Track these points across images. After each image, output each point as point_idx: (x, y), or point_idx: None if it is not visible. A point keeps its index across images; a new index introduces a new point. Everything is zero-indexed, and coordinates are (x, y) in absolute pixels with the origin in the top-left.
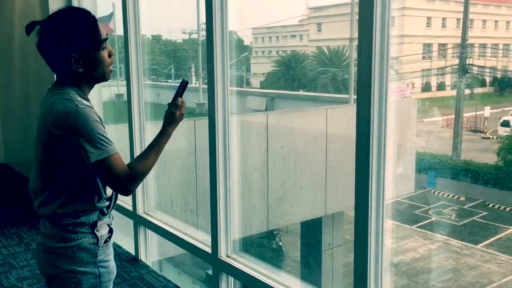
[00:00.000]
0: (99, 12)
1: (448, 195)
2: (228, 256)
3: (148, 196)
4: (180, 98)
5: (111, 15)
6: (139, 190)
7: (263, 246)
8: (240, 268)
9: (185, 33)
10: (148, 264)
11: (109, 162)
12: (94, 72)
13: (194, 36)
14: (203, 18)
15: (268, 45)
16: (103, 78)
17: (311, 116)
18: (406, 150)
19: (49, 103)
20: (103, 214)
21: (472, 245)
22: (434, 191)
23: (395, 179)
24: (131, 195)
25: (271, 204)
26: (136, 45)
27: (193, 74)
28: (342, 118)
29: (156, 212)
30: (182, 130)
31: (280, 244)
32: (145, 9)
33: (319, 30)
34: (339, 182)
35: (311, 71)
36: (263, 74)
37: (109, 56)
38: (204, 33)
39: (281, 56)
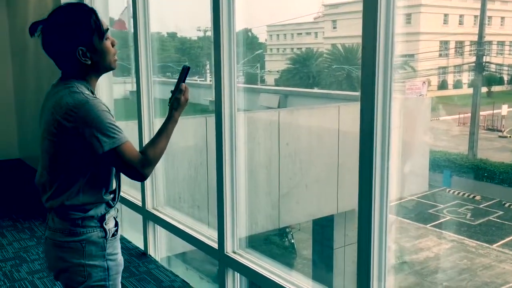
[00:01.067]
0: (111, 11)
1: (463, 194)
2: (234, 252)
3: (157, 192)
4: (183, 84)
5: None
6: (148, 185)
7: (275, 243)
8: (246, 264)
9: (199, 30)
10: (157, 259)
11: (122, 149)
12: (101, 62)
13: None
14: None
15: (283, 42)
16: (110, 67)
17: (323, 113)
18: (420, 148)
19: (58, 97)
20: (109, 206)
21: (488, 245)
22: (449, 190)
23: (408, 178)
24: (141, 188)
25: (282, 201)
26: (145, 42)
27: (208, 71)
28: (355, 115)
29: (165, 208)
30: (194, 127)
31: (292, 241)
32: (160, 7)
33: (334, 28)
34: (351, 180)
35: (325, 68)
36: (277, 71)
37: (113, 45)
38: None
39: (295, 54)
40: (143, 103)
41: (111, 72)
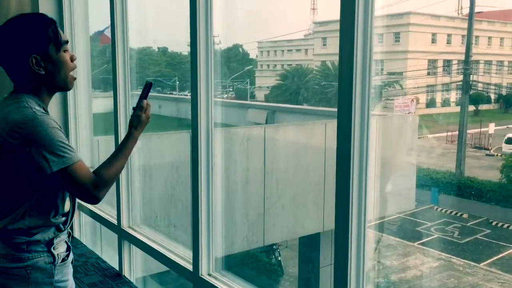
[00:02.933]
0: (92, 23)
1: (451, 212)
2: (209, 275)
3: (133, 210)
4: (145, 100)
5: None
6: (123, 203)
7: (261, 261)
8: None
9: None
10: (131, 280)
11: (72, 170)
12: (56, 75)
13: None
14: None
15: (273, 58)
16: (65, 84)
17: (309, 130)
18: (407, 166)
19: (6, 112)
20: (59, 230)
21: (475, 264)
22: (437, 208)
23: (394, 195)
24: (116, 205)
25: (266, 217)
26: (124, 57)
27: None
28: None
29: (141, 227)
30: (182, 142)
31: (279, 259)
32: (151, 21)
33: (324, 45)
34: None
35: (315, 85)
36: (267, 87)
37: (71, 60)
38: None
39: (285, 70)
40: (120, 118)
41: (90, 85)
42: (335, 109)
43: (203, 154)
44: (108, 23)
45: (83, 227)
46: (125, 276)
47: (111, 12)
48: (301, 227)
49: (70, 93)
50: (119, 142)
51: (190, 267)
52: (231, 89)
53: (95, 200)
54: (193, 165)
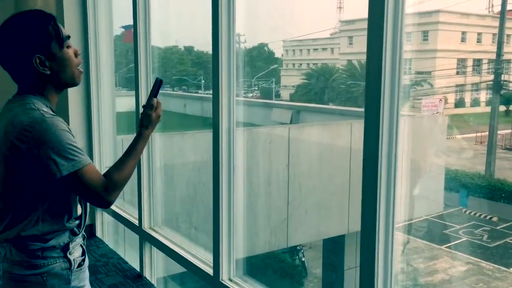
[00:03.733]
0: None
1: (480, 214)
2: (230, 280)
3: (155, 211)
4: (155, 99)
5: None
6: (145, 204)
7: (284, 261)
8: None
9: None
10: (152, 281)
11: (82, 173)
12: (62, 73)
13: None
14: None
15: (299, 57)
16: (72, 80)
17: (334, 130)
18: (435, 167)
19: (12, 115)
20: (74, 234)
21: (505, 268)
22: (465, 210)
23: (422, 197)
24: (138, 206)
25: (289, 219)
26: (146, 55)
27: None
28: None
29: (162, 228)
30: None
31: (303, 260)
32: (177, 21)
33: (351, 43)
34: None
35: (341, 84)
36: (292, 86)
37: (76, 55)
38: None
39: (311, 69)
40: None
41: (113, 83)
42: (361, 109)
43: (224, 155)
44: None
45: (105, 227)
46: (146, 278)
47: (134, 11)
48: (325, 229)
49: (93, 93)
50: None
51: (210, 271)
52: (256, 88)
53: (106, 204)
54: (214, 165)
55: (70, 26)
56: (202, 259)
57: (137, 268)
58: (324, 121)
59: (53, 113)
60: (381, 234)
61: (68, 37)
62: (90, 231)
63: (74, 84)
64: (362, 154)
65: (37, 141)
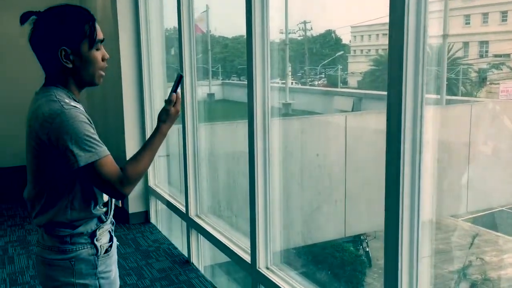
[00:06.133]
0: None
1: None
2: (267, 268)
3: (201, 199)
4: (174, 94)
5: (202, 15)
6: (191, 192)
7: (347, 251)
8: (277, 283)
9: (282, 32)
10: (199, 268)
11: (99, 165)
12: (83, 71)
13: (292, 35)
14: (295, 17)
15: (367, 43)
16: (92, 80)
17: None
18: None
19: (36, 107)
20: (101, 221)
21: None
22: None
23: (498, 186)
24: (184, 194)
25: (347, 207)
26: (190, 43)
27: (290, 73)
28: (430, 121)
29: (208, 215)
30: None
31: (367, 250)
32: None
33: None
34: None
35: None
36: (360, 73)
37: (103, 59)
38: (300, 32)
39: (379, 55)
40: (186, 107)
41: (195, 74)
42: (429, 96)
43: (259, 145)
44: (200, 11)
45: (159, 214)
46: (193, 264)
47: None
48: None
49: (146, 86)
50: (186, 131)
51: (248, 258)
52: (323, 76)
53: (120, 196)
54: (250, 155)
55: (122, 19)
56: (242, 246)
57: (186, 255)
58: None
59: (73, 105)
60: (404, 232)
61: (102, 40)
62: (145, 217)
63: (93, 84)
64: (385, 145)
65: (56, 132)
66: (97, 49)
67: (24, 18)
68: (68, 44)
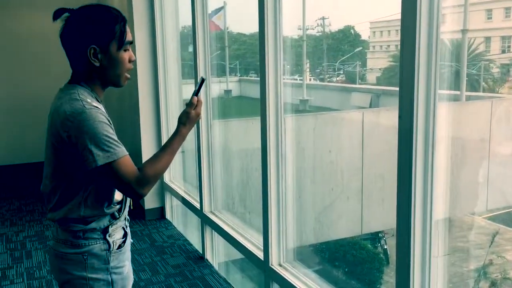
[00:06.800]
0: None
1: None
2: (280, 265)
3: (215, 195)
4: (195, 97)
5: (218, 11)
6: (205, 188)
7: (365, 249)
8: (289, 280)
9: (300, 29)
10: (213, 264)
11: (117, 165)
12: (109, 71)
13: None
14: (314, 13)
15: (386, 39)
16: (117, 81)
17: None
18: None
19: (59, 104)
20: (114, 218)
21: None
22: None
23: None
24: (199, 190)
25: (364, 207)
26: (204, 40)
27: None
28: (448, 117)
29: (222, 212)
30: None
31: (385, 247)
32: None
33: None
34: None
35: None
36: (379, 69)
37: (129, 61)
38: (318, 28)
39: (398, 51)
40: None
41: (209, 71)
42: (448, 92)
43: (272, 142)
44: (216, 7)
45: (174, 210)
46: (207, 260)
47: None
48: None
49: (161, 84)
50: (198, 129)
51: (261, 255)
52: (341, 72)
53: (137, 197)
54: (262, 152)
55: (138, 18)
56: (255, 243)
57: (200, 251)
58: None
59: (95, 105)
60: (417, 233)
61: (131, 42)
62: (161, 213)
63: (117, 84)
64: (397, 143)
65: (76, 131)
66: (125, 50)
67: (57, 14)
68: (98, 43)
